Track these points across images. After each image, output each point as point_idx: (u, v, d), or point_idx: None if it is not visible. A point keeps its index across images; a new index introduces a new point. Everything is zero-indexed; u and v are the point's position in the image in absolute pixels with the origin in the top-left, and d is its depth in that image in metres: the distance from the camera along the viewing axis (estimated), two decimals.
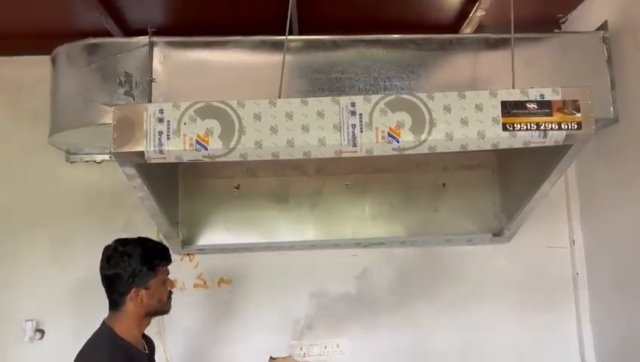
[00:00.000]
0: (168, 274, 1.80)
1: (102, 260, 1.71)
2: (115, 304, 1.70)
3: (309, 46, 2.17)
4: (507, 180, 2.55)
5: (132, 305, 1.68)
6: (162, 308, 1.77)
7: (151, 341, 1.87)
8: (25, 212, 2.57)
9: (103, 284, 1.72)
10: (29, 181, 2.59)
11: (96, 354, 1.63)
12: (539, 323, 2.60)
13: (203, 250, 2.58)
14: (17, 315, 2.51)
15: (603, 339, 2.53)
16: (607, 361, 2.49)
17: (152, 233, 2.53)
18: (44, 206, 2.57)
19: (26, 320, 2.50)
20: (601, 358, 2.54)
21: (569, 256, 2.65)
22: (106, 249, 1.73)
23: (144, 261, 1.69)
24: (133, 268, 1.67)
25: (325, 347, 2.58)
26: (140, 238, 1.77)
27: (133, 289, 1.68)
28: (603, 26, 2.30)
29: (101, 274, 1.71)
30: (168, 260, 1.79)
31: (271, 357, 2.12)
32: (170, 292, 1.80)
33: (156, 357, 2.46)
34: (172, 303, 1.82)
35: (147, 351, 1.78)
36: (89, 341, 1.69)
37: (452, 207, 2.60)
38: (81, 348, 1.68)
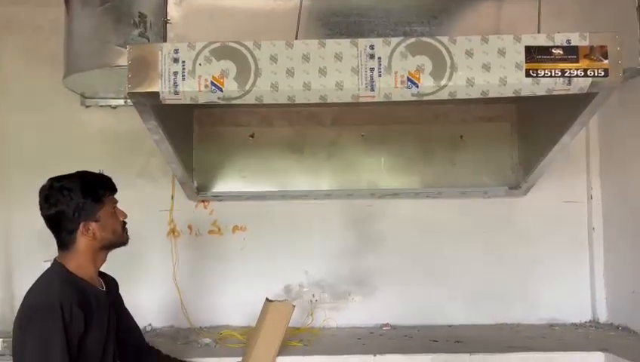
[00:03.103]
0: (116, 203, 1.69)
1: (40, 201, 1.61)
2: (64, 243, 1.61)
3: None
4: (526, 133, 2.51)
5: (84, 240, 1.59)
6: (118, 239, 1.68)
7: (112, 280, 1.79)
8: (42, 154, 2.58)
9: (48, 226, 1.62)
10: (45, 124, 2.61)
11: (44, 292, 1.53)
12: (551, 276, 2.60)
13: (218, 197, 2.60)
14: (37, 256, 2.56)
15: (615, 294, 2.53)
16: (618, 316, 2.50)
17: (167, 179, 2.59)
18: (61, 149, 2.58)
19: (45, 261, 2.54)
20: (612, 312, 2.55)
21: (586, 211, 2.63)
22: (42, 189, 1.62)
23: (86, 192, 1.59)
24: (77, 202, 1.57)
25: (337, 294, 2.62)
26: (77, 172, 1.65)
27: (82, 224, 1.58)
28: None
29: (43, 215, 1.61)
30: (113, 189, 1.68)
31: (267, 299, 2.12)
32: (124, 223, 1.70)
33: (169, 300, 2.56)
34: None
35: (104, 289, 1.69)
36: (39, 279, 1.61)
37: (469, 159, 2.58)
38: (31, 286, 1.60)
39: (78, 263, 1.61)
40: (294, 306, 2.07)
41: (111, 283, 1.77)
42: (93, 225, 1.60)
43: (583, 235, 2.63)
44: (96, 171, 1.70)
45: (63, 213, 1.58)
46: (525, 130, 2.52)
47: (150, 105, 1.76)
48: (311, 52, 1.66)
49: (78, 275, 1.60)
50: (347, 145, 2.60)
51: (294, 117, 2.58)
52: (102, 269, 1.75)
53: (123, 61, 1.78)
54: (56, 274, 1.59)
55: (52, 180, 1.62)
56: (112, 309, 1.71)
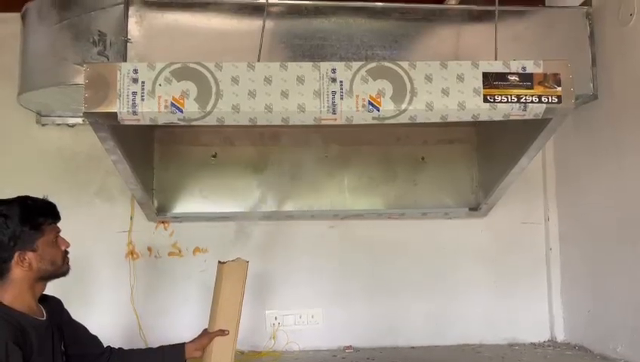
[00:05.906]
0: (59, 232, 1.62)
1: None
2: None
3: (291, 11, 2.12)
4: (486, 155, 2.56)
5: (19, 271, 1.52)
6: (57, 270, 1.60)
7: (54, 300, 1.69)
8: None
9: None
10: None
11: None
12: (511, 297, 2.64)
13: (178, 218, 2.55)
14: None
15: (572, 313, 2.58)
16: (575, 334, 2.55)
17: (126, 199, 2.53)
18: (15, 168, 2.49)
19: None
20: (569, 331, 2.60)
21: (543, 232, 2.69)
22: None
23: (24, 220, 1.52)
24: (13, 230, 1.50)
25: (300, 317, 2.59)
26: (17, 197, 1.57)
27: (17, 254, 1.51)
28: (587, 2, 2.29)
29: None
30: (55, 217, 1.61)
31: (219, 262, 2.03)
32: (66, 252, 1.62)
33: (127, 323, 2.48)
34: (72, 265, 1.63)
35: (45, 318, 1.59)
36: None
37: (431, 180, 2.62)
38: None
39: (14, 295, 1.52)
40: (248, 262, 2.00)
41: (53, 306, 1.67)
42: (29, 255, 1.52)
43: (541, 256, 2.68)
44: (41, 196, 1.61)
45: None
46: (485, 152, 2.57)
47: (108, 125, 1.72)
48: (273, 74, 1.66)
49: (14, 308, 1.51)
50: (310, 165, 2.59)
51: (257, 137, 2.57)
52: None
53: (80, 79, 1.75)
54: None
55: None
56: (57, 335, 1.62)
